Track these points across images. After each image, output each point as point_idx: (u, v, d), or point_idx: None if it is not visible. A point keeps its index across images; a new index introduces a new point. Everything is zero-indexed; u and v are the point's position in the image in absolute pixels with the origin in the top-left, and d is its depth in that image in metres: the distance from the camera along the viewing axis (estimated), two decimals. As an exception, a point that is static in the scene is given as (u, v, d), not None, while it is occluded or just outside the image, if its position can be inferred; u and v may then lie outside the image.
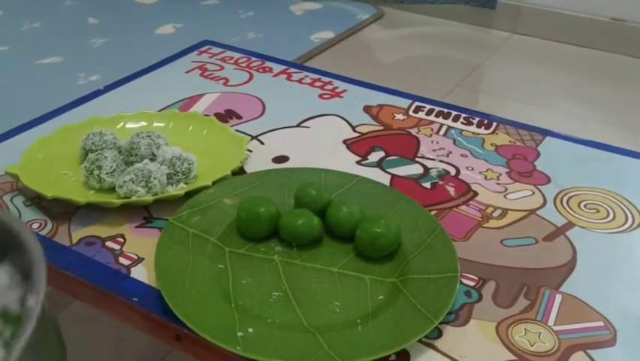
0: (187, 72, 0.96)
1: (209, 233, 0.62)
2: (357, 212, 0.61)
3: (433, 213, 0.66)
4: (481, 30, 2.23)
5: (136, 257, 0.60)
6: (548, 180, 0.72)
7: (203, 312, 0.53)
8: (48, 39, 2.08)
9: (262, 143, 0.79)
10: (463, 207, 0.68)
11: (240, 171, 0.72)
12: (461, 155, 0.77)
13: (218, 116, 0.83)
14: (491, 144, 0.79)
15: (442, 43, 2.15)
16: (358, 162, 0.75)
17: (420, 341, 0.52)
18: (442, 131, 0.81)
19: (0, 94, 1.72)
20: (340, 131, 0.81)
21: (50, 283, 0.63)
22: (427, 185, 0.71)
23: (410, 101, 0.88)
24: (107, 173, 0.67)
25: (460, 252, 0.59)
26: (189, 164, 0.69)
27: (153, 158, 0.70)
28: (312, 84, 0.93)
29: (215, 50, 1.03)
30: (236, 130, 0.80)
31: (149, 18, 2.26)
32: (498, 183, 0.71)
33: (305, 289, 0.57)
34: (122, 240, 0.63)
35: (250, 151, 0.76)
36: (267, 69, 0.97)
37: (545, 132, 0.81)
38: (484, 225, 0.65)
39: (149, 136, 0.71)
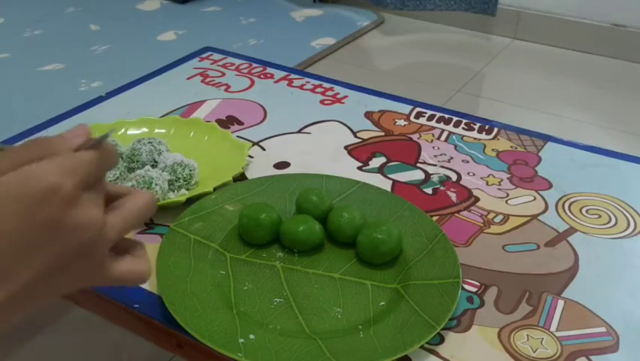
0: (188, 79, 0.97)
1: (210, 239, 0.62)
2: (359, 218, 0.61)
3: (434, 218, 0.65)
4: (481, 36, 2.23)
5: (137, 263, 0.60)
6: (550, 185, 0.72)
7: (204, 319, 0.53)
8: (50, 46, 2.09)
9: (263, 149, 0.79)
10: (465, 212, 0.68)
11: (241, 177, 0.72)
12: (462, 160, 0.77)
13: (219, 122, 0.83)
14: (492, 150, 0.79)
15: (442, 49, 2.15)
16: (359, 168, 0.75)
17: (422, 347, 0.51)
18: (443, 137, 0.81)
19: (1, 101, 1.73)
20: (341, 137, 0.81)
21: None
22: (429, 190, 0.71)
23: (411, 107, 0.88)
24: (109, 180, 0.67)
25: (461, 258, 0.59)
26: (190, 170, 0.69)
27: (154, 164, 0.70)
28: (313, 90, 0.93)
29: (217, 56, 1.03)
30: (238, 136, 0.80)
31: (151, 25, 2.27)
32: (499, 189, 0.71)
33: (306, 295, 0.57)
34: (123, 246, 0.63)
35: (251, 157, 0.76)
36: (269, 75, 0.97)
37: (547, 138, 0.81)
38: (486, 230, 0.65)
39: (150, 142, 0.71)
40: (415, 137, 0.81)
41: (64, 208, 0.32)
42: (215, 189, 0.68)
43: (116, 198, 0.37)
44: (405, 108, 0.88)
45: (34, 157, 0.32)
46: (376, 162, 0.76)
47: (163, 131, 0.79)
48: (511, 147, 0.79)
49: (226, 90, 0.93)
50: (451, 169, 0.75)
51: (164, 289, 0.55)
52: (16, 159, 0.32)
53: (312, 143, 0.80)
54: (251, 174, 0.73)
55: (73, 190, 0.32)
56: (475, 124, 0.84)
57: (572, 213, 0.68)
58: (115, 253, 0.37)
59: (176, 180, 0.68)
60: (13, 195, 0.31)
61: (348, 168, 0.75)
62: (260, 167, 0.75)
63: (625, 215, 0.68)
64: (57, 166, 0.32)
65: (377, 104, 0.89)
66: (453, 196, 0.70)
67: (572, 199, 0.70)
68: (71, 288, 0.35)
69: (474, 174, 0.74)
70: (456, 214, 0.67)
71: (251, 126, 0.84)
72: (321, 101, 0.90)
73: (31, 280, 0.32)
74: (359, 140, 0.81)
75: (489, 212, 0.68)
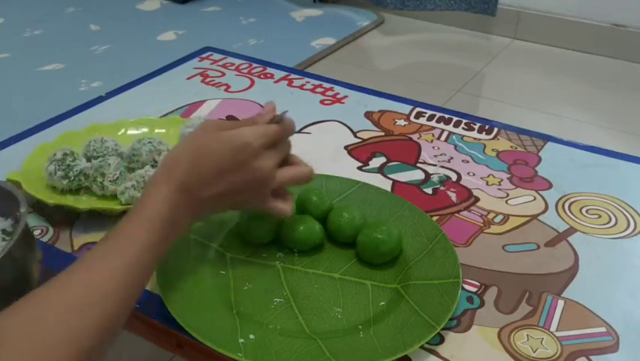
0: (188, 79, 0.97)
1: (210, 239, 0.62)
2: (359, 218, 0.61)
3: (434, 218, 0.65)
4: (481, 36, 2.23)
5: (137, 263, 0.60)
6: (550, 185, 0.72)
7: (204, 319, 0.53)
8: (50, 46, 2.09)
9: (263, 149, 0.79)
10: (465, 212, 0.68)
11: (241, 177, 0.72)
12: (462, 160, 0.77)
13: (219, 122, 0.83)
14: (492, 150, 0.79)
15: (442, 49, 2.15)
16: (359, 168, 0.75)
17: (422, 347, 0.51)
18: (443, 137, 0.81)
19: (2, 101, 1.73)
20: (341, 137, 0.81)
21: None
22: (429, 190, 0.71)
23: (411, 107, 0.88)
24: (110, 180, 0.67)
25: (461, 257, 0.59)
26: (191, 170, 0.68)
27: (154, 164, 0.70)
28: (313, 90, 0.93)
29: (217, 56, 1.03)
30: (238, 136, 0.80)
31: (151, 25, 2.27)
32: (499, 189, 0.71)
33: (306, 295, 0.57)
34: (123, 246, 0.62)
35: (251, 157, 0.76)
36: (269, 75, 0.97)
37: (547, 138, 0.81)
38: (486, 230, 0.65)
39: (150, 142, 0.71)
40: (415, 137, 0.81)
41: (250, 156, 0.53)
42: (215, 189, 0.67)
43: (293, 163, 0.58)
44: (405, 108, 0.88)
45: (245, 124, 0.55)
46: (376, 162, 0.76)
47: (163, 131, 0.79)
48: (511, 147, 0.79)
49: (226, 90, 0.93)
50: (451, 169, 0.75)
51: (164, 289, 0.55)
52: (235, 124, 0.55)
53: (312, 143, 0.80)
54: (251, 174, 0.73)
55: (259, 148, 0.53)
56: (475, 124, 0.84)
57: (572, 213, 0.68)
58: (274, 194, 0.57)
59: (176, 180, 0.68)
60: (227, 142, 0.53)
61: (348, 168, 0.75)
62: (260, 167, 0.74)
63: (625, 215, 0.68)
64: (254, 132, 0.53)
65: (377, 104, 0.89)
66: (453, 196, 0.70)
67: (572, 199, 0.70)
68: (242, 206, 0.58)
69: (474, 174, 0.74)
70: (456, 214, 0.67)
71: (251, 126, 0.83)
72: (321, 101, 0.90)
73: (224, 192, 0.53)
74: (359, 140, 0.81)
75: (489, 212, 0.68)
